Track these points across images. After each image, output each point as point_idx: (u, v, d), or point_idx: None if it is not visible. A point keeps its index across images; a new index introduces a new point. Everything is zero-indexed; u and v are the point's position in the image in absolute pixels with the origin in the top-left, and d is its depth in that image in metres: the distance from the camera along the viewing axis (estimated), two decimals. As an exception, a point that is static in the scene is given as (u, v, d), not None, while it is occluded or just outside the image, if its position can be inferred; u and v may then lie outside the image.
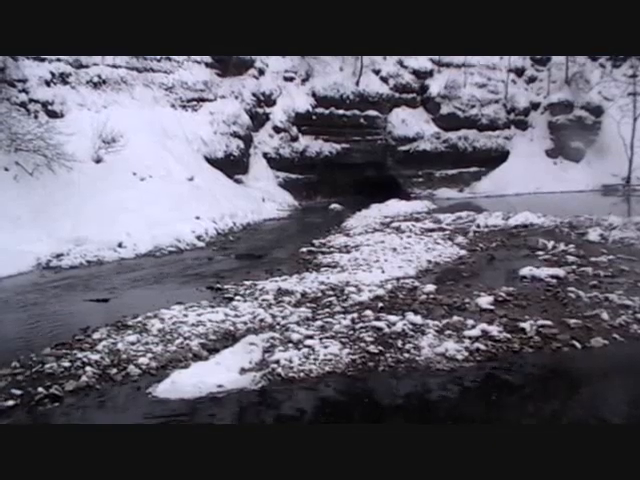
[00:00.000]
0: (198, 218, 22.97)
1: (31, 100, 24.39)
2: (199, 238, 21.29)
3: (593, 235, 18.43)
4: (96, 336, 10.05)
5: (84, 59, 27.02)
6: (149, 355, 9.24)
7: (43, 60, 25.64)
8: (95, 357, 9.08)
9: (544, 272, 13.43)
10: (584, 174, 41.92)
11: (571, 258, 15.11)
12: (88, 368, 8.69)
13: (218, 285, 13.97)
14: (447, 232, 21.08)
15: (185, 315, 11.10)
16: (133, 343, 9.70)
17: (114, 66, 28.06)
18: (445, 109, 42.29)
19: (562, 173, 42.61)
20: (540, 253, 16.41)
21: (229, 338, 10.00)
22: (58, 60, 26.14)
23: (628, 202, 33.45)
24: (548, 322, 10.07)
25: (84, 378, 8.39)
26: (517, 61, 45.84)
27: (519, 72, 46.17)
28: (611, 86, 43.27)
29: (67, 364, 8.84)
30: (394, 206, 29.96)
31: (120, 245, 18.99)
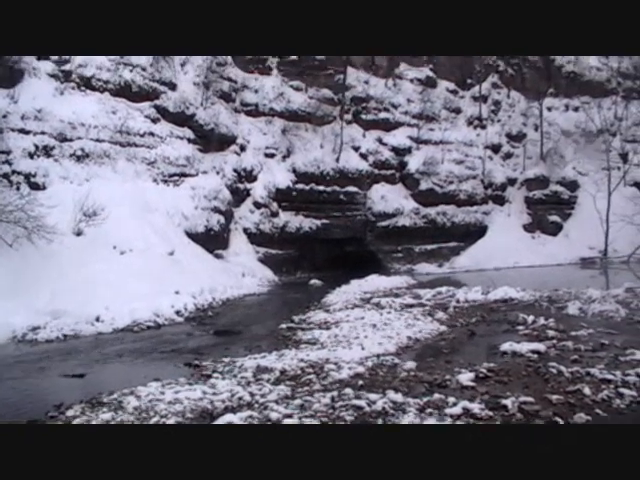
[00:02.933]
0: (177, 293, 22.80)
1: (14, 172, 24.58)
2: (178, 313, 21.05)
3: (572, 309, 18.48)
4: (70, 413, 9.74)
5: (68, 133, 27.28)
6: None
7: (28, 133, 25.93)
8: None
9: (525, 347, 13.36)
10: (562, 247, 42.68)
11: (551, 332, 15.08)
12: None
13: (196, 362, 13.72)
14: (427, 308, 21.02)
15: (162, 392, 10.82)
16: (108, 422, 9.44)
17: (98, 140, 28.34)
18: (424, 185, 43.12)
19: (540, 247, 43.32)
20: (520, 328, 16.37)
21: (206, 417, 9.74)
22: (42, 133, 26.40)
23: (606, 274, 33.81)
24: (530, 398, 9.94)
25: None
26: (493, 138, 47.20)
27: (495, 148, 47.55)
28: (585, 161, 44.52)
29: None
30: (374, 282, 29.94)
31: (98, 319, 18.73)
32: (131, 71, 31.29)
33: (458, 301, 21.84)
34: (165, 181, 31.14)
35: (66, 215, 22.81)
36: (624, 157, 46.33)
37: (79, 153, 27.43)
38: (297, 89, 41.69)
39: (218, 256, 31.97)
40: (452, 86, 48.59)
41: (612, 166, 42.77)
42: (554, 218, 45.25)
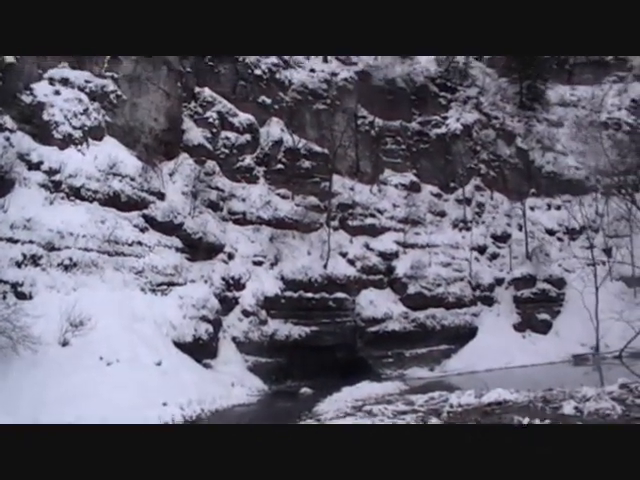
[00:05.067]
0: (165, 404, 22.30)
1: (1, 281, 24.41)
2: (165, 424, 20.47)
3: (568, 408, 18.04)
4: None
5: (56, 242, 27.34)
6: None
7: (16, 242, 25.97)
8: None
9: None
10: (553, 345, 42.41)
11: (549, 433, 14.73)
12: None
13: None
14: (420, 414, 20.54)
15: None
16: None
17: (86, 249, 28.35)
18: (412, 289, 43.18)
19: (531, 346, 43.02)
20: (517, 429, 16.00)
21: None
22: (31, 242, 26.44)
23: (599, 371, 33.45)
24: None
25: None
26: (479, 239, 47.85)
27: (481, 250, 48.07)
28: (571, 258, 45.06)
29: None
30: (365, 389, 29.47)
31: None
32: (120, 181, 31.76)
33: (452, 406, 21.33)
34: (153, 290, 30.98)
35: (52, 325, 22.55)
36: (608, 252, 47.19)
37: (67, 262, 27.38)
38: (284, 197, 42.38)
39: (207, 365, 31.44)
40: (436, 190, 49.64)
41: (597, 261, 43.35)
42: (543, 316, 45.31)
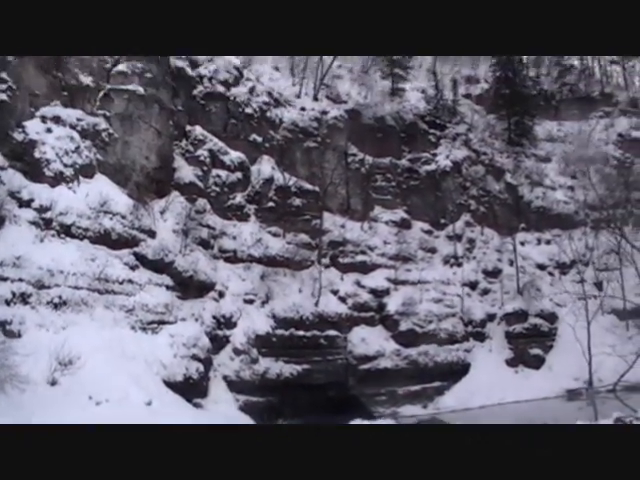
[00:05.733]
0: (155, 443, 21.76)
1: (-11, 319, 24.08)
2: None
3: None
4: None
5: (46, 280, 27.09)
6: None
7: (5, 280, 25.66)
8: None
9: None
10: (546, 380, 42.23)
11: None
12: None
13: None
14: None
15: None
16: None
17: (76, 287, 28.08)
18: (404, 326, 43.08)
19: (524, 381, 42.78)
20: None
21: None
22: (20, 280, 26.12)
23: (593, 405, 33.09)
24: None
25: None
26: (470, 275, 47.87)
27: (473, 285, 48.07)
28: (562, 293, 45.01)
29: None
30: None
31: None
32: (111, 219, 31.62)
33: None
34: (143, 329, 30.63)
35: (41, 364, 22.20)
36: (599, 286, 47.22)
37: (57, 300, 27.09)
38: (275, 235, 42.42)
39: (197, 405, 30.91)
40: (427, 226, 49.83)
41: (588, 295, 43.31)
42: (536, 351, 45.19)
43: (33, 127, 30.74)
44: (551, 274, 50.81)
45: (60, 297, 27.40)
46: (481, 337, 45.96)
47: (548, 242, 52.18)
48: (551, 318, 46.84)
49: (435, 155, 52.35)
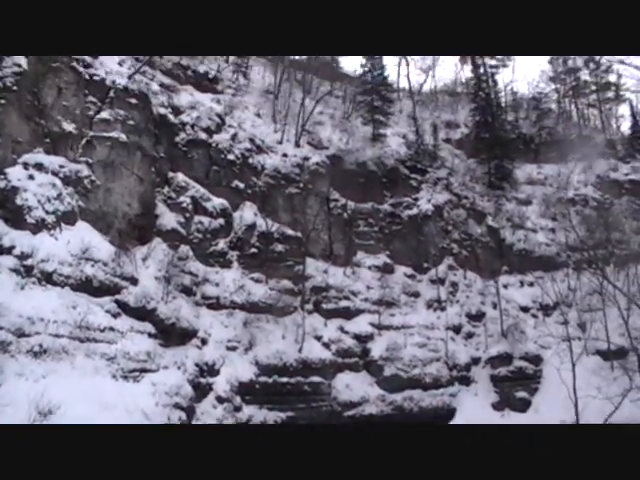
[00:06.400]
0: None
1: (-35, 373, 23.53)
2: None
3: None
4: None
5: (26, 328, 26.61)
6: None
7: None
8: None
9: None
10: (533, 423, 41.56)
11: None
12: None
13: None
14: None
15: None
16: None
17: (56, 335, 27.61)
18: (388, 371, 42.76)
19: (511, 426, 42.25)
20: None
21: None
22: (0, 328, 25.72)
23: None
24: None
25: None
26: (454, 319, 47.87)
27: (457, 329, 47.96)
28: (546, 336, 45.04)
29: None
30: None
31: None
32: (93, 266, 31.36)
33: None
34: (125, 377, 30.11)
35: (20, 413, 21.62)
36: (583, 327, 47.46)
37: (37, 349, 26.58)
38: (257, 281, 42.23)
39: (180, 454, 30.24)
40: (409, 271, 49.84)
41: (572, 336, 43.45)
42: (522, 394, 44.95)
43: (15, 174, 30.63)
44: (535, 316, 50.87)
45: (40, 345, 26.90)
46: (466, 381, 45.68)
47: (531, 284, 52.43)
48: (536, 360, 46.71)
49: (417, 199, 52.72)
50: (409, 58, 68.78)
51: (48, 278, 29.48)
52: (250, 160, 45.44)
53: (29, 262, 29.03)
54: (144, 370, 31.37)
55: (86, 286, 30.85)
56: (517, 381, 45.24)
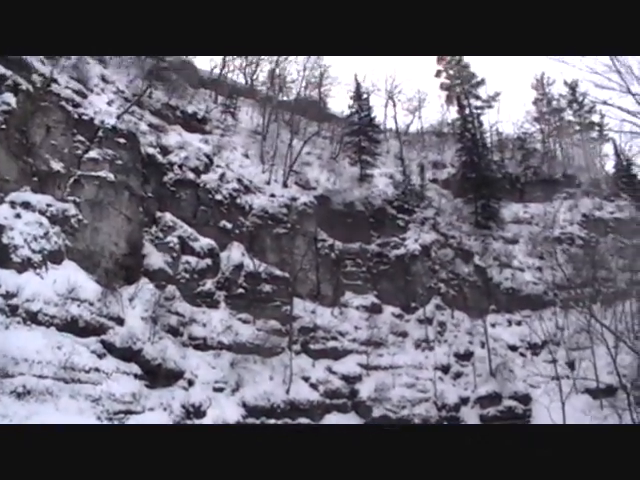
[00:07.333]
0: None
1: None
2: None
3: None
4: None
5: (10, 369, 26.16)
6: None
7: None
8: None
9: None
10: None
11: None
12: None
13: None
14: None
15: None
16: None
17: (41, 376, 27.15)
18: (376, 412, 42.37)
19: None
20: None
21: None
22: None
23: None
24: None
25: None
26: (442, 358, 47.67)
27: (445, 369, 47.70)
28: (535, 375, 44.91)
29: None
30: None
31: None
32: (79, 306, 31.05)
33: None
34: (110, 419, 29.47)
35: (2, 456, 21.09)
36: (571, 365, 47.56)
37: (20, 390, 26.09)
38: (245, 322, 41.97)
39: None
40: (397, 310, 49.76)
41: (561, 375, 43.34)
42: (512, 435, 44.58)
43: (2, 212, 30.47)
44: (523, 355, 50.77)
45: (24, 386, 26.41)
46: (455, 421, 45.16)
47: (519, 323, 52.44)
48: (525, 400, 46.42)
49: (404, 239, 52.93)
50: (396, 99, 69.70)
51: (33, 318, 29.12)
52: (238, 200, 45.54)
53: (14, 301, 28.70)
54: (129, 412, 30.77)
55: (72, 326, 30.48)
56: (507, 420, 44.73)
